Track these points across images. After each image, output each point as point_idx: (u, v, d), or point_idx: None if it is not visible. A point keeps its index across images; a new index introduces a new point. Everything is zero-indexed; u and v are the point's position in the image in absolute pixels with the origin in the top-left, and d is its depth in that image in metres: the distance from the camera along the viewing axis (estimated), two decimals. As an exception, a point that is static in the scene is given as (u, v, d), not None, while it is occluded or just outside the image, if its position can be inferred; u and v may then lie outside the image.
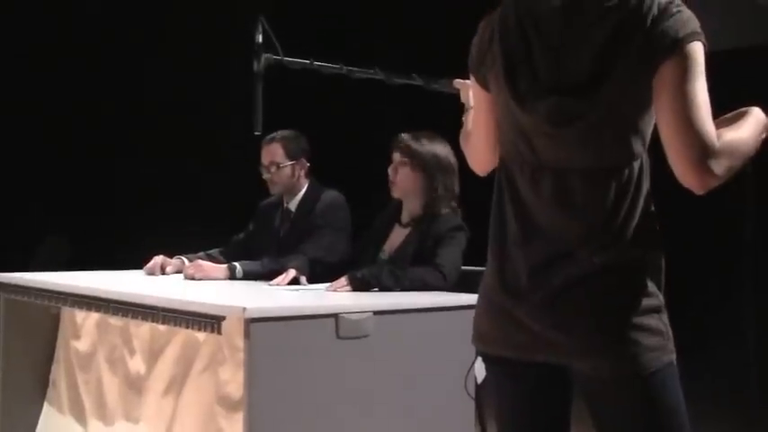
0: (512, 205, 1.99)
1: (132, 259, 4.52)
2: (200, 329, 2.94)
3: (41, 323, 4.09)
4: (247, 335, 2.73)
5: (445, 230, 3.61)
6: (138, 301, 3.21)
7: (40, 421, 4.10)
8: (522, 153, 1.96)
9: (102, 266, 4.37)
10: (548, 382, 2.02)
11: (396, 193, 3.78)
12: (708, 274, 6.15)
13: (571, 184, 1.90)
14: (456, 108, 2.51)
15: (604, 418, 1.95)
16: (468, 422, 3.27)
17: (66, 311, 3.99)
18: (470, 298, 3.28)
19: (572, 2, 1.88)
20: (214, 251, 4.33)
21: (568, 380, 1.99)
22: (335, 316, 2.91)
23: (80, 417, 3.86)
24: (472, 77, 2.10)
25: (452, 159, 3.70)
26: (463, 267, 3.59)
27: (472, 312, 3.23)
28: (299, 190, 4.25)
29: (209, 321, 2.87)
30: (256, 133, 3.28)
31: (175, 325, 3.05)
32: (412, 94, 3.25)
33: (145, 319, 3.19)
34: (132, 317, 3.31)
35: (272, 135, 4.24)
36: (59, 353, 4.08)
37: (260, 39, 3.24)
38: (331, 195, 4.21)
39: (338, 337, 2.91)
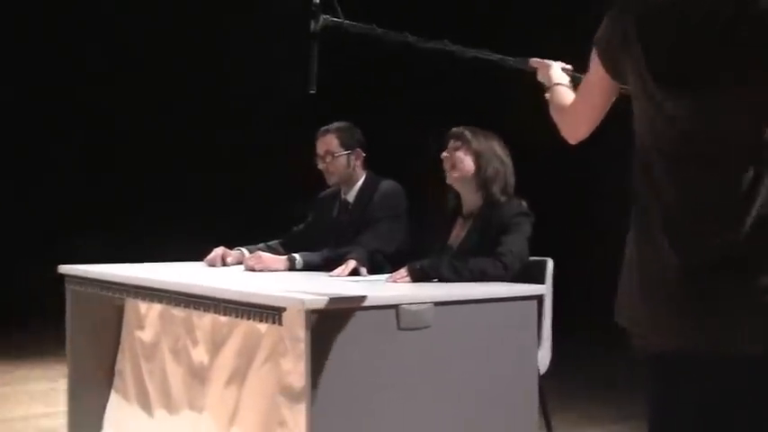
0: (651, 192, 2.02)
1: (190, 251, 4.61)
2: (261, 321, 2.97)
3: (106, 314, 4.17)
4: (308, 326, 2.75)
5: (509, 218, 3.60)
6: (200, 292, 3.26)
7: (108, 409, 4.18)
8: (665, 140, 2.01)
9: (159, 259, 4.45)
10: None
11: (450, 180, 3.77)
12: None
13: (719, 168, 1.94)
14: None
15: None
16: (530, 413, 3.28)
17: (130, 302, 4.06)
18: (530, 288, 3.33)
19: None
20: (274, 242, 4.37)
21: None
22: (396, 307, 2.93)
23: (146, 405, 3.92)
24: (600, 60, 2.17)
25: (506, 151, 3.71)
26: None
27: (532, 303, 3.29)
28: (356, 181, 4.27)
29: (271, 313, 2.90)
30: (311, 92, 3.25)
31: (237, 316, 3.09)
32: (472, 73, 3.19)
33: (207, 310, 3.24)
34: (195, 308, 3.36)
35: (326, 126, 4.28)
36: (124, 343, 4.15)
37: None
38: (388, 185, 4.22)
39: (399, 328, 2.93)
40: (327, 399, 2.79)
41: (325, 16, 3.20)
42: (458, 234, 3.81)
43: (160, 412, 3.83)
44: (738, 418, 1.94)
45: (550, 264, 3.69)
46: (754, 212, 1.90)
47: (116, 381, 4.18)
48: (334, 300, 2.83)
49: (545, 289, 3.44)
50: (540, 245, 3.69)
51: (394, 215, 4.13)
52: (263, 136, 9.65)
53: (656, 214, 2.01)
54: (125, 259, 4.35)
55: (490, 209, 3.67)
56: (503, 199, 3.67)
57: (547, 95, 2.58)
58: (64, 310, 4.15)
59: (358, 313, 2.86)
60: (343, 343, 2.82)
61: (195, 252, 4.50)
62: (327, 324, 2.79)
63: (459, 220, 3.84)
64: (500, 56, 3.00)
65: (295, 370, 3.07)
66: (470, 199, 3.78)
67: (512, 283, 3.40)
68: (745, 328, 1.89)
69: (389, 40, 3.10)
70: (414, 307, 2.96)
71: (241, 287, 3.26)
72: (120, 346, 4.17)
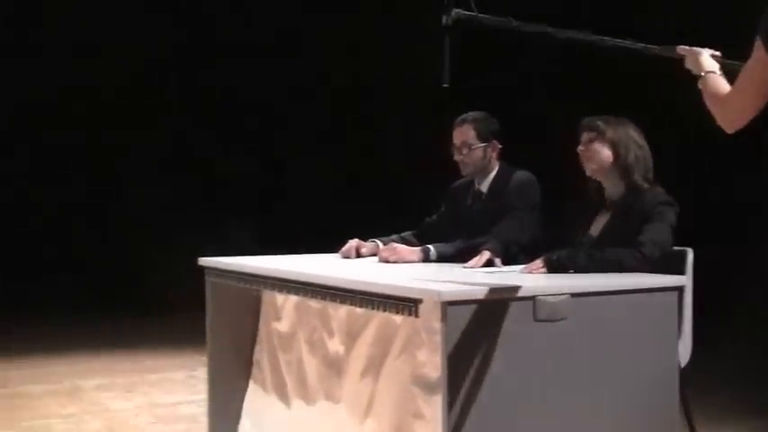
0: None
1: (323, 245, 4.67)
2: (397, 312, 2.98)
3: (245, 305, 4.25)
4: (444, 318, 2.74)
5: (652, 206, 3.51)
6: (336, 284, 3.28)
7: (246, 399, 4.27)
8: None
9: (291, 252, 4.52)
10: None
11: (590, 172, 3.71)
12: None
13: None
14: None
15: None
16: (671, 407, 3.20)
17: (267, 294, 4.13)
18: (671, 279, 3.25)
19: None
20: (407, 233, 4.38)
21: None
22: (532, 298, 2.89)
23: (283, 396, 3.99)
24: (765, 48, 2.29)
25: (643, 141, 3.62)
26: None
27: (672, 294, 3.20)
28: (491, 171, 4.22)
29: (407, 305, 2.90)
30: (444, 86, 3.24)
31: (373, 308, 3.09)
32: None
33: (343, 302, 3.26)
34: (330, 300, 3.39)
35: (463, 116, 4.24)
36: (262, 334, 4.22)
37: None
38: (522, 175, 4.16)
39: (535, 319, 2.89)
40: (463, 390, 2.78)
41: (457, 10, 3.19)
42: (600, 224, 3.73)
43: (297, 402, 3.89)
44: None
45: (690, 254, 3.59)
46: None
47: (254, 371, 4.27)
48: (469, 291, 2.82)
49: (686, 280, 3.34)
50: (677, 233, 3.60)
51: (528, 206, 4.08)
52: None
53: None
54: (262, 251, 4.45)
55: (633, 196, 3.59)
56: (645, 185, 3.58)
57: (699, 84, 2.63)
58: (200, 301, 4.25)
59: (494, 304, 2.83)
60: (478, 334, 2.80)
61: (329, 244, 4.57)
62: (463, 315, 2.77)
63: (602, 211, 3.76)
64: (643, 44, 2.94)
65: (430, 361, 3.06)
66: (613, 188, 3.69)
67: (651, 274, 3.31)
68: None
69: (526, 32, 3.06)
70: (550, 298, 2.92)
71: (377, 279, 3.27)
72: (258, 337, 4.25)
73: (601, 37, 2.99)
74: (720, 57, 2.71)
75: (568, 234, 3.83)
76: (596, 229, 3.72)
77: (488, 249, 3.67)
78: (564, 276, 3.24)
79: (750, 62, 2.39)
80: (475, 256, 3.71)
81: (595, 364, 3.02)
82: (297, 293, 3.67)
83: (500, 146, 4.22)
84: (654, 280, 3.23)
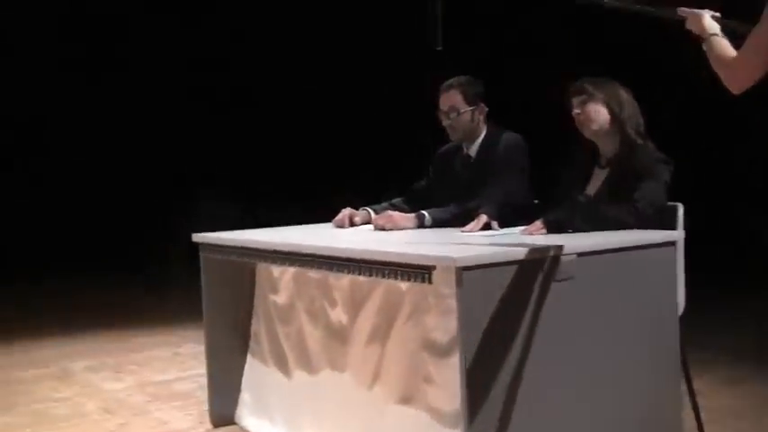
0: None
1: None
2: (408, 280, 3.01)
3: (239, 279, 4.26)
4: (459, 283, 2.78)
5: (647, 163, 3.54)
6: (342, 254, 3.30)
7: (245, 373, 4.30)
8: None
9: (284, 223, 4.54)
10: None
11: (589, 134, 3.73)
12: None
13: None
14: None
15: None
16: (673, 355, 3.32)
17: (262, 267, 4.14)
18: (666, 234, 3.33)
19: None
20: (397, 200, 4.41)
21: None
22: (541, 260, 2.94)
23: (283, 367, 4.01)
24: None
25: (629, 93, 3.66)
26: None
27: (669, 249, 3.28)
28: (479, 135, 4.25)
29: (419, 272, 2.94)
30: (437, 49, 3.25)
31: (381, 276, 3.12)
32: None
33: (347, 271, 3.28)
34: (332, 269, 3.41)
35: (449, 82, 4.26)
36: (258, 307, 4.24)
37: None
38: (510, 137, 4.20)
39: (546, 280, 2.94)
40: (479, 353, 2.81)
41: None
42: (596, 182, 3.78)
43: (298, 373, 3.91)
44: None
45: (681, 209, 3.65)
46: None
47: (252, 344, 4.29)
48: (483, 256, 2.86)
49: (680, 234, 3.40)
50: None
51: (518, 168, 4.12)
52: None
53: None
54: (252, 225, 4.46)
55: (628, 153, 3.62)
56: (639, 141, 3.63)
57: (704, 46, 2.69)
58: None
59: (504, 268, 2.87)
60: (491, 298, 2.84)
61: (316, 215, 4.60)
62: (477, 280, 2.80)
63: (596, 170, 3.80)
64: (643, 6, 2.97)
65: (440, 326, 3.11)
66: (608, 146, 3.73)
67: (647, 230, 3.38)
68: None
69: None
70: (562, 258, 2.97)
71: (379, 247, 3.30)
72: (254, 310, 4.27)
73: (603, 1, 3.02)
74: (720, 18, 2.76)
75: (562, 193, 3.88)
76: (593, 187, 3.77)
77: (485, 213, 3.70)
78: (565, 236, 3.28)
79: (761, 27, 2.45)
80: (470, 220, 3.75)
81: (603, 319, 3.09)
82: (295, 265, 3.69)
83: (487, 108, 4.25)
84: (650, 236, 3.30)
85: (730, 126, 8.04)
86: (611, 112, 3.66)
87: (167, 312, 7.49)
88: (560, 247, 2.98)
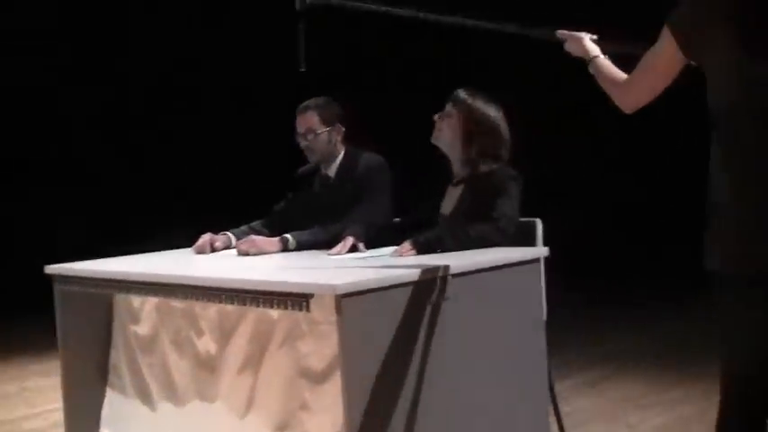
0: (739, 149, 2.35)
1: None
2: (286, 308, 2.97)
3: (95, 310, 4.11)
4: (339, 311, 2.76)
5: (498, 182, 3.61)
6: (214, 284, 3.23)
7: (104, 406, 4.14)
8: (748, 105, 2.32)
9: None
10: None
11: (434, 139, 3.78)
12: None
13: None
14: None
15: None
16: (541, 368, 3.41)
17: (120, 297, 4.00)
18: (533, 251, 3.41)
19: None
20: (256, 223, 4.35)
21: None
22: (418, 283, 2.95)
23: (147, 400, 3.89)
24: (675, 41, 2.44)
25: (501, 124, 3.71)
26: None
27: (536, 266, 3.36)
28: (337, 156, 4.25)
29: (297, 300, 2.90)
30: (301, 70, 3.24)
31: (259, 305, 3.07)
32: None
33: (224, 301, 3.21)
34: (198, 299, 3.34)
35: (305, 103, 4.24)
36: (117, 338, 4.10)
37: None
38: (370, 158, 4.21)
39: (422, 302, 2.96)
40: (358, 379, 2.81)
41: None
42: (449, 201, 3.83)
43: (164, 405, 3.80)
44: None
45: (540, 224, 3.75)
46: None
47: (111, 378, 4.14)
48: (361, 282, 2.84)
49: (545, 251, 3.49)
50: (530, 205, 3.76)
51: (380, 189, 4.13)
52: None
53: (747, 166, 2.33)
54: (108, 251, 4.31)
55: (481, 173, 3.69)
56: (492, 164, 3.68)
57: (590, 69, 2.77)
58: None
59: (384, 292, 2.87)
60: (370, 323, 2.84)
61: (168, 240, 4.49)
62: (355, 306, 2.79)
63: (449, 188, 3.85)
64: (522, 27, 3.02)
65: (315, 352, 3.08)
66: (461, 164, 3.79)
67: (514, 248, 3.45)
68: None
69: (397, 16, 3.09)
70: (434, 281, 2.99)
71: (253, 275, 3.25)
72: (113, 342, 4.12)
73: (477, 21, 3.05)
74: (598, 40, 2.85)
75: (418, 212, 3.92)
76: (447, 205, 3.82)
77: (351, 235, 3.70)
78: (437, 257, 3.31)
79: (656, 48, 2.51)
80: (334, 242, 3.74)
81: (478, 336, 3.13)
82: (159, 295, 3.59)
83: (344, 129, 4.25)
84: (519, 253, 3.36)
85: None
86: (466, 129, 3.71)
87: (11, 345, 7.15)
88: (436, 269, 3.01)
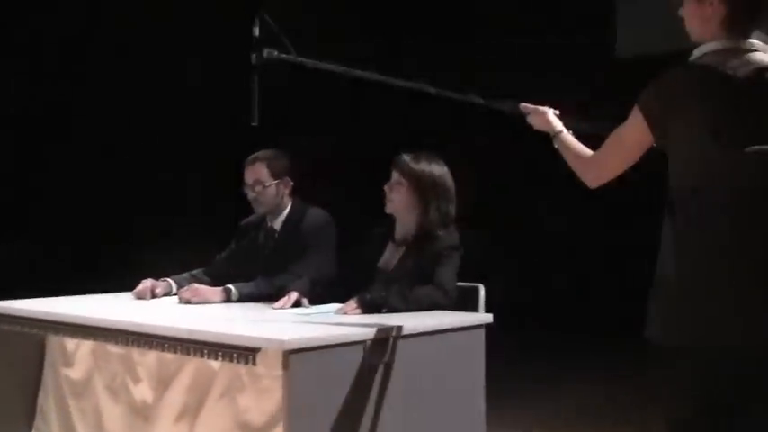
0: (696, 227, 2.44)
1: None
2: (231, 360, 2.95)
3: (26, 350, 4.00)
4: (285, 366, 2.75)
5: (441, 249, 3.67)
6: (164, 333, 3.22)
7: (28, 451, 4.03)
8: (711, 186, 2.43)
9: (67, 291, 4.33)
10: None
11: (389, 210, 3.83)
12: None
13: (753, 205, 2.42)
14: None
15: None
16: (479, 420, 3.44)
17: (53, 339, 3.91)
18: (478, 317, 3.45)
19: (753, 74, 2.43)
20: (197, 271, 4.32)
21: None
22: (364, 343, 2.96)
23: (74, 445, 3.80)
24: (646, 123, 2.52)
25: (449, 182, 3.77)
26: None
27: (480, 331, 3.40)
28: (284, 209, 4.26)
29: (243, 353, 2.88)
30: (253, 124, 3.25)
31: (204, 356, 3.05)
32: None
33: (166, 349, 3.18)
34: (137, 345, 3.31)
35: (254, 155, 4.25)
36: (47, 380, 3.99)
37: (257, 32, 3.22)
38: (316, 213, 4.23)
39: (368, 361, 2.96)
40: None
41: (269, 50, 3.20)
42: (388, 259, 3.86)
43: (92, 452, 3.72)
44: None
45: (482, 290, 3.79)
46: None
47: (37, 420, 4.02)
48: (309, 339, 2.85)
49: (489, 317, 3.52)
50: (471, 271, 3.81)
51: (325, 245, 4.15)
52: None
53: (708, 240, 2.42)
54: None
55: (426, 238, 3.73)
56: (439, 230, 3.73)
57: (555, 144, 2.85)
58: None
59: (331, 350, 2.88)
60: (316, 380, 2.85)
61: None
62: (302, 362, 2.80)
63: (391, 245, 3.89)
64: (485, 99, 3.08)
65: (256, 406, 3.05)
66: (406, 227, 3.83)
67: (458, 312, 3.49)
68: None
69: (357, 78, 3.12)
70: (381, 342, 3.00)
71: (198, 325, 3.23)
72: (43, 384, 4.01)
73: (440, 89, 3.10)
74: (559, 115, 2.92)
75: (359, 265, 3.94)
76: (385, 262, 3.85)
77: (296, 290, 3.69)
78: (383, 317, 3.32)
79: (626, 128, 2.58)
80: (278, 295, 3.73)
81: (420, 398, 3.17)
82: (95, 338, 3.54)
83: (292, 183, 4.26)
84: (464, 318, 3.42)
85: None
86: (419, 196, 3.76)
87: None
88: (383, 330, 3.03)
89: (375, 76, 3.18)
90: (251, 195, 4.21)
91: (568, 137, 2.84)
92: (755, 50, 2.50)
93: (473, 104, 3.08)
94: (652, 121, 2.51)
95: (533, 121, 2.98)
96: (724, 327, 2.40)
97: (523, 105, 3.01)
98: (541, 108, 2.97)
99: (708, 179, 2.44)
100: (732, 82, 2.44)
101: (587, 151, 2.74)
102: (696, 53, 2.55)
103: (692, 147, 2.46)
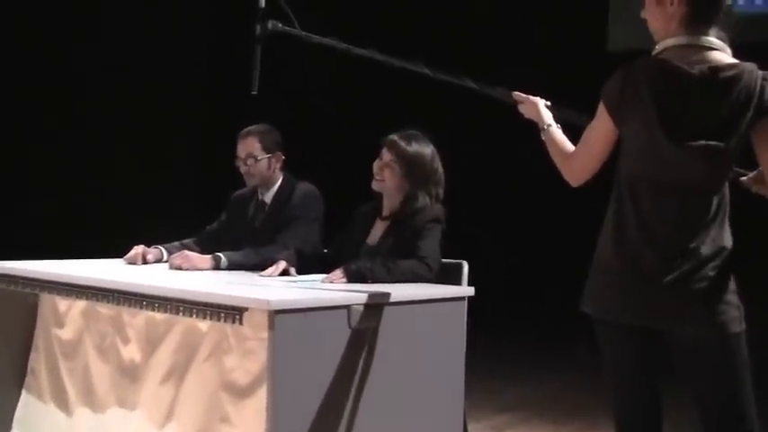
0: (634, 212, 2.59)
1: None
2: (218, 320, 3.04)
3: (18, 310, 4.10)
4: (271, 326, 2.85)
5: (423, 223, 3.77)
6: (146, 291, 3.30)
7: (18, 409, 4.11)
8: (655, 176, 2.56)
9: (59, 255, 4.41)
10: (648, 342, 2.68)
11: (377, 187, 3.93)
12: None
13: (690, 199, 2.57)
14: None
15: (697, 371, 2.62)
16: (458, 403, 3.54)
17: (47, 299, 4.01)
18: (459, 290, 3.55)
19: (708, 72, 2.54)
20: (187, 240, 4.41)
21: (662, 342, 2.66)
22: (350, 308, 3.06)
23: (63, 404, 3.88)
24: (607, 112, 2.63)
25: (437, 163, 3.87)
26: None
27: (461, 303, 3.51)
28: (275, 182, 4.35)
29: (230, 313, 2.98)
30: (253, 93, 3.32)
31: (192, 316, 3.14)
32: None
33: (156, 309, 3.27)
34: (128, 305, 3.40)
35: (247, 129, 4.35)
36: (39, 341, 4.08)
37: (263, 3, 3.29)
38: (305, 187, 4.33)
39: (352, 326, 3.06)
40: (283, 396, 2.90)
41: (273, 22, 3.28)
42: (375, 234, 3.96)
43: (81, 411, 3.80)
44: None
45: (466, 266, 3.89)
46: (711, 232, 2.57)
47: (28, 380, 4.11)
48: (295, 300, 2.95)
49: (471, 290, 3.62)
50: (456, 248, 3.91)
51: (311, 217, 4.25)
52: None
53: (635, 229, 2.58)
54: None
55: (408, 214, 3.83)
56: (425, 203, 3.84)
57: (543, 136, 2.90)
58: None
59: (316, 313, 2.98)
60: (300, 342, 2.94)
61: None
62: (288, 324, 2.89)
63: (378, 221, 3.99)
64: (478, 84, 3.15)
65: (241, 367, 3.14)
66: (392, 203, 3.93)
67: (439, 284, 3.59)
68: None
69: (356, 56, 3.20)
70: (364, 308, 3.10)
71: (188, 286, 3.32)
72: (34, 344, 4.10)
73: (435, 71, 3.18)
74: (551, 106, 3.00)
75: (347, 242, 4.04)
76: (373, 237, 3.95)
77: (284, 259, 3.79)
78: (366, 286, 3.42)
79: (594, 122, 2.69)
80: (265, 264, 3.83)
81: (401, 366, 3.27)
82: (87, 298, 3.63)
83: (283, 157, 4.36)
84: (445, 290, 3.51)
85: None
86: (406, 174, 3.85)
87: None
88: (367, 296, 3.12)
89: (376, 55, 3.25)
90: (243, 168, 4.30)
91: (556, 132, 2.89)
92: (714, 49, 2.60)
93: (464, 87, 3.15)
94: (612, 109, 2.62)
95: (525, 110, 3.04)
96: (614, 305, 2.64)
97: (516, 94, 3.07)
98: (533, 98, 3.03)
99: (649, 169, 2.58)
100: (686, 77, 2.55)
101: (572, 148, 2.81)
102: (658, 48, 2.65)
103: (639, 135, 2.58)
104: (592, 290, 2.70)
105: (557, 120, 2.93)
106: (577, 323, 2.96)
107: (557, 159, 2.83)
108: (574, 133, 2.86)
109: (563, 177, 2.80)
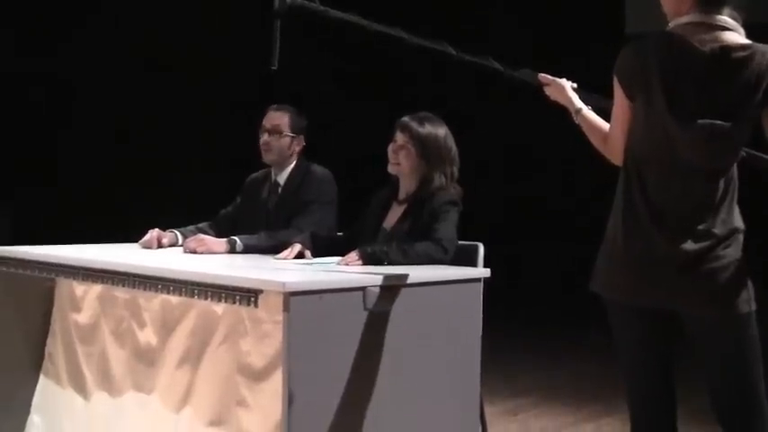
0: (641, 193, 2.56)
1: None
2: (234, 303, 3.04)
3: (35, 296, 4.11)
4: (287, 308, 2.84)
5: (439, 205, 3.75)
6: (161, 274, 3.29)
7: (36, 394, 4.14)
8: (661, 155, 2.55)
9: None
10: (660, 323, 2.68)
11: (394, 171, 3.91)
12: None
13: (696, 181, 2.56)
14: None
15: (708, 350, 2.62)
16: (474, 384, 3.52)
17: (64, 284, 4.02)
18: (476, 271, 3.53)
19: (719, 52, 2.52)
20: (203, 224, 4.41)
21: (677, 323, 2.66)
22: (365, 290, 3.05)
23: (81, 389, 3.90)
24: (621, 88, 2.63)
25: (451, 143, 3.85)
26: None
27: (478, 285, 3.49)
28: (289, 164, 4.35)
29: (246, 295, 2.97)
30: (272, 68, 3.30)
31: (207, 299, 3.13)
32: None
33: (172, 292, 3.26)
34: (144, 289, 3.40)
35: (280, 104, 4.36)
36: (56, 325, 4.10)
37: None
38: (320, 170, 4.32)
39: (367, 309, 3.05)
40: (299, 379, 2.88)
41: None
42: (392, 217, 3.94)
43: (99, 395, 3.81)
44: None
45: (481, 248, 3.87)
46: (721, 214, 2.56)
47: (46, 365, 4.13)
48: (310, 282, 2.94)
49: (487, 272, 3.60)
50: (472, 230, 3.90)
51: (326, 200, 4.24)
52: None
53: (644, 211, 2.57)
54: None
55: (427, 195, 3.81)
56: (441, 185, 3.82)
57: (576, 120, 2.90)
58: None
59: (331, 295, 2.96)
60: (316, 324, 2.92)
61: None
62: (303, 306, 2.88)
63: (394, 204, 3.97)
64: (503, 65, 3.12)
65: (256, 350, 3.14)
66: (408, 186, 3.91)
67: (456, 266, 3.57)
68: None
69: (378, 33, 3.16)
70: (379, 289, 3.09)
71: (204, 269, 3.31)
72: (51, 329, 4.12)
73: (460, 52, 3.14)
74: (577, 89, 2.98)
75: (362, 226, 4.03)
76: (389, 221, 3.94)
77: (299, 242, 3.78)
78: (381, 268, 3.41)
79: (615, 99, 2.68)
80: (280, 248, 3.82)
81: (417, 347, 3.24)
82: (103, 282, 3.64)
83: (304, 143, 4.35)
84: (461, 272, 3.49)
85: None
86: (421, 156, 3.83)
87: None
88: (383, 278, 3.11)
89: (398, 32, 3.20)
90: (265, 138, 4.29)
91: (590, 114, 2.88)
92: (727, 28, 2.57)
93: (488, 68, 3.12)
94: (625, 84, 2.61)
95: (551, 92, 3.02)
96: (626, 286, 2.64)
97: (542, 75, 3.05)
98: (560, 81, 3.01)
99: (656, 146, 2.56)
100: (696, 54, 2.53)
101: (606, 126, 2.81)
102: (671, 25, 2.63)
103: (648, 111, 2.56)
104: (602, 271, 2.70)
105: (587, 103, 2.92)
106: (594, 305, 2.94)
107: (595, 142, 2.83)
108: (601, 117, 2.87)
109: (600, 156, 2.83)
